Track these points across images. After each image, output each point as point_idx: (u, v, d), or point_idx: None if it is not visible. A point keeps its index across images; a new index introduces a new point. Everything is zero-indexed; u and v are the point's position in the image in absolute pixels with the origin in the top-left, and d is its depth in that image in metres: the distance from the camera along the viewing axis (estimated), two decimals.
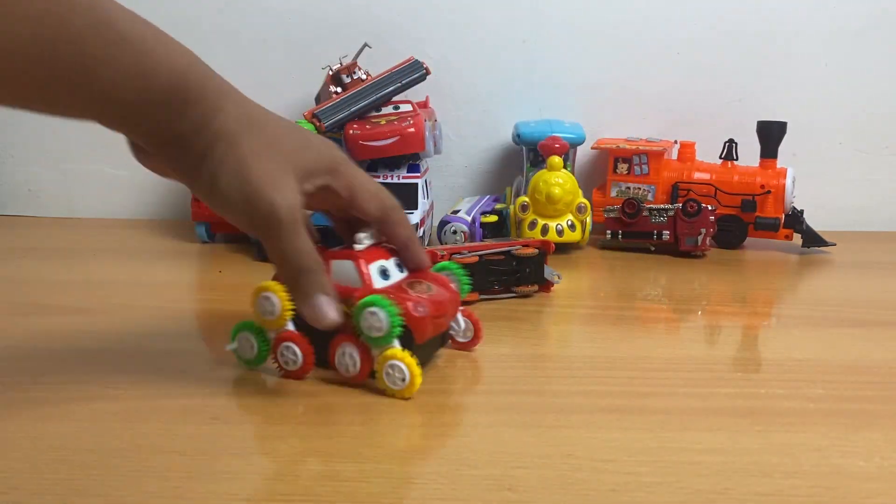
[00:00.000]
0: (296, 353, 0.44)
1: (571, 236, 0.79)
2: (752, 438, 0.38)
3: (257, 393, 0.44)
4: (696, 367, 0.49)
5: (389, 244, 0.46)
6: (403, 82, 0.84)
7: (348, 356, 0.43)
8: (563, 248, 0.79)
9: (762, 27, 0.97)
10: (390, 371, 0.42)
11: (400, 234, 0.45)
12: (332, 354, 0.44)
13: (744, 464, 0.35)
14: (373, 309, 0.41)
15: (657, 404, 0.42)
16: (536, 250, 0.64)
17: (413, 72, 0.84)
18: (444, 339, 0.49)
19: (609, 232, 0.84)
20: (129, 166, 1.08)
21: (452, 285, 0.47)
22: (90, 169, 1.01)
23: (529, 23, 0.97)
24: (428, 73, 0.85)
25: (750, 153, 0.88)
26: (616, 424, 0.40)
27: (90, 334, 0.53)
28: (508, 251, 0.63)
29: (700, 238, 0.80)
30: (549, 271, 0.65)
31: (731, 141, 0.89)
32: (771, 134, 0.87)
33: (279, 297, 0.42)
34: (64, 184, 1.02)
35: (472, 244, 0.65)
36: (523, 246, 0.64)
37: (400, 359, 0.42)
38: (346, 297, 0.42)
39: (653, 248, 0.83)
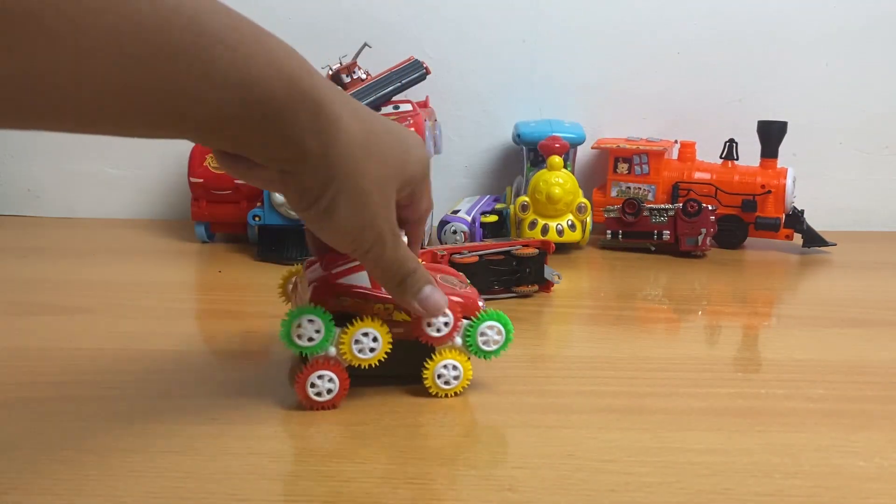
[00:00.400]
0: (334, 380, 0.41)
1: (571, 236, 0.79)
2: (752, 438, 0.38)
3: (257, 393, 0.44)
4: (696, 367, 0.49)
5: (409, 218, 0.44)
6: (403, 82, 0.83)
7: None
8: (564, 248, 0.79)
9: (762, 27, 0.97)
10: (444, 371, 0.43)
11: (419, 234, 0.45)
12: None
13: (744, 464, 0.35)
14: (491, 323, 0.43)
15: (657, 404, 0.42)
16: (536, 250, 0.64)
17: (413, 72, 0.84)
18: None
19: (609, 232, 0.84)
20: (130, 166, 1.08)
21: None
22: (90, 169, 1.01)
23: (529, 23, 0.97)
24: (428, 72, 0.85)
25: (750, 153, 0.88)
26: (616, 424, 0.40)
27: (90, 334, 0.53)
28: (508, 251, 0.64)
29: (700, 238, 0.80)
30: (549, 271, 0.65)
31: (731, 141, 0.89)
32: (771, 134, 0.87)
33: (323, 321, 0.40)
34: (64, 184, 1.02)
35: (472, 244, 0.65)
36: (523, 246, 0.64)
37: (454, 358, 0.43)
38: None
39: (653, 248, 0.83)
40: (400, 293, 0.40)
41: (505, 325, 0.43)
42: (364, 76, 0.85)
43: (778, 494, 0.33)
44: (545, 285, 0.65)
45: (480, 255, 0.62)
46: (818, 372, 0.48)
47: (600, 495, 0.33)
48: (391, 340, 0.41)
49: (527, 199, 0.80)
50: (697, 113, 0.98)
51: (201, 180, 0.81)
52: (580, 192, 0.81)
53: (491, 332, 0.43)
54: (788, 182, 0.85)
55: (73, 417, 0.40)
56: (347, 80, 0.85)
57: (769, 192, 0.85)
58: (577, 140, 0.88)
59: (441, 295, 0.41)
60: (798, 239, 0.85)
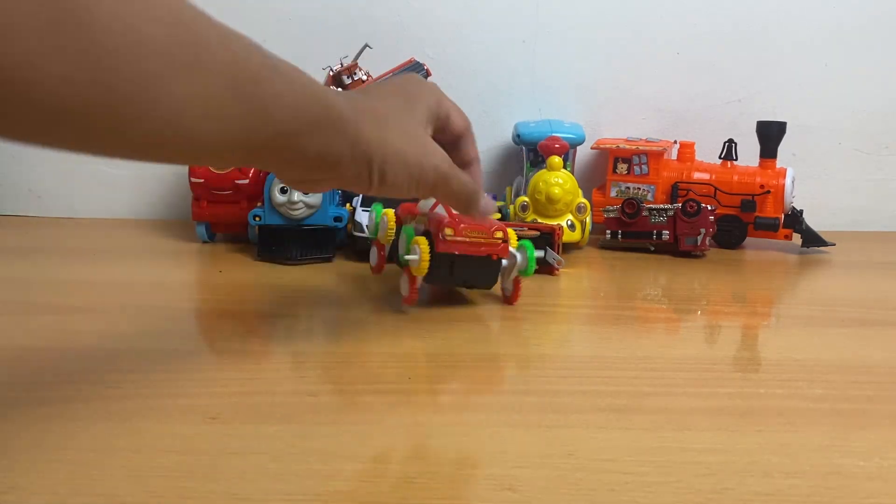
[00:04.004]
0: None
1: (571, 236, 0.79)
2: (752, 438, 0.38)
3: (257, 393, 0.44)
4: (696, 367, 0.49)
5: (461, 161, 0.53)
6: None
7: None
8: (563, 248, 0.79)
9: (762, 27, 0.97)
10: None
11: (470, 152, 0.53)
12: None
13: (744, 464, 0.35)
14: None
15: (657, 404, 0.42)
16: (538, 233, 0.70)
17: (413, 73, 0.84)
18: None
19: (609, 232, 0.84)
20: (130, 166, 1.08)
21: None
22: (90, 169, 1.01)
23: (529, 23, 0.97)
24: (428, 74, 0.85)
25: (750, 153, 0.88)
26: (616, 424, 0.40)
27: (90, 334, 0.53)
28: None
29: (700, 238, 0.80)
30: (551, 255, 0.69)
31: (730, 141, 0.89)
32: (771, 134, 0.87)
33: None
34: (64, 184, 1.02)
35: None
36: (529, 229, 0.70)
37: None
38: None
39: (653, 248, 0.83)
40: (466, 208, 0.50)
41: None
42: (365, 77, 0.85)
43: (777, 494, 0.33)
44: (547, 268, 0.70)
45: None
46: (817, 372, 0.48)
47: (600, 495, 0.33)
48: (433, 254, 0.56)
49: (526, 199, 0.80)
50: (697, 113, 0.98)
51: (202, 180, 0.81)
52: (580, 192, 0.81)
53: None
54: (787, 182, 0.85)
55: (73, 417, 0.40)
56: (348, 81, 0.85)
57: (768, 192, 0.85)
58: (577, 140, 0.88)
59: (489, 200, 0.53)
60: (797, 239, 0.85)
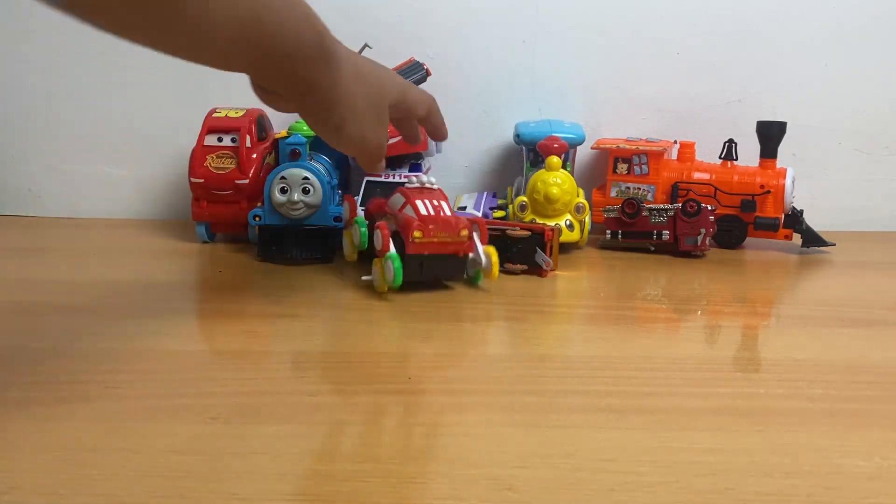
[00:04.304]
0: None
1: (570, 236, 0.79)
2: (752, 438, 0.38)
3: (257, 393, 0.44)
4: (696, 367, 0.49)
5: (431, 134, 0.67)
6: None
7: None
8: (563, 248, 0.79)
9: (762, 27, 0.97)
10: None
11: (434, 121, 0.64)
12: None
13: (744, 464, 0.35)
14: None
15: (657, 404, 0.42)
16: (529, 233, 0.71)
17: (413, 73, 0.84)
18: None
19: (609, 232, 0.84)
20: (130, 166, 1.08)
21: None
22: (90, 169, 1.01)
23: (529, 23, 0.97)
24: (428, 73, 0.85)
25: (750, 153, 0.88)
26: (616, 424, 0.40)
27: (90, 334, 0.53)
28: (503, 230, 0.71)
29: (700, 238, 0.80)
30: (540, 256, 0.70)
31: (730, 141, 0.89)
32: (771, 134, 0.87)
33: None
34: (64, 184, 1.02)
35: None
36: (521, 229, 0.71)
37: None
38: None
39: (653, 248, 0.83)
40: (369, 164, 0.56)
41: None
42: None
43: (777, 494, 0.33)
44: (537, 269, 0.71)
45: None
46: (817, 372, 0.48)
47: (600, 495, 0.33)
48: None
49: (525, 199, 0.80)
50: (697, 113, 0.98)
51: (202, 180, 0.81)
52: (579, 192, 0.81)
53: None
54: (788, 182, 0.85)
55: (73, 417, 0.40)
56: None
57: (768, 192, 0.85)
58: (577, 140, 0.88)
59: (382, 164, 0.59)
60: (797, 239, 0.85)
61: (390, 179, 0.80)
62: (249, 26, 0.41)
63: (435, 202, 0.65)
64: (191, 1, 0.38)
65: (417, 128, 0.63)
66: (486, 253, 0.65)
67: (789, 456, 0.36)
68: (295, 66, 0.46)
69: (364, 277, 0.63)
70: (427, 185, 0.67)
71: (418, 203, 0.64)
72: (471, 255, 0.65)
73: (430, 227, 0.62)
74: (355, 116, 0.52)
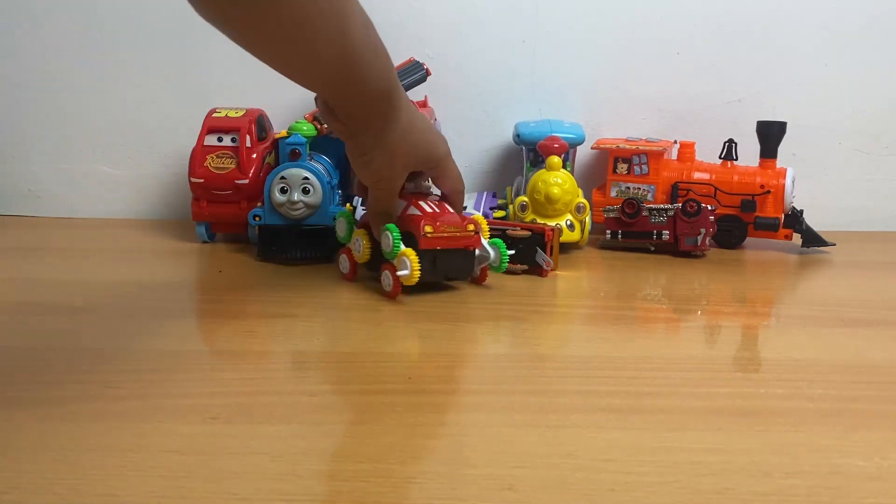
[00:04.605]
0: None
1: (570, 236, 0.79)
2: (752, 438, 0.38)
3: (257, 393, 0.44)
4: (696, 367, 0.49)
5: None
6: (404, 83, 0.83)
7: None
8: (563, 248, 0.79)
9: (762, 27, 0.97)
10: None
11: (455, 202, 0.67)
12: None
13: (744, 464, 0.35)
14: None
15: (657, 404, 0.42)
16: (530, 233, 0.71)
17: (413, 73, 0.84)
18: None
19: (609, 232, 0.84)
20: (130, 166, 1.08)
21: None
22: (90, 169, 1.01)
23: (529, 23, 0.97)
24: (428, 73, 0.85)
25: (750, 153, 0.88)
26: (616, 424, 0.40)
27: (90, 334, 0.53)
28: (504, 230, 0.71)
29: (700, 238, 0.80)
30: (541, 256, 0.70)
31: (730, 141, 0.89)
32: (771, 134, 0.87)
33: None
34: (64, 184, 1.02)
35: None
36: (521, 229, 0.71)
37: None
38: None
39: (653, 248, 0.83)
40: (378, 223, 0.63)
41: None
42: None
43: (777, 494, 0.33)
44: (537, 269, 0.70)
45: None
46: (817, 372, 0.48)
47: (600, 495, 0.33)
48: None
49: (525, 199, 0.80)
50: (697, 113, 0.98)
51: (201, 180, 0.81)
52: (579, 192, 0.81)
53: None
54: (788, 182, 0.85)
55: (74, 417, 0.40)
56: None
57: (768, 192, 0.85)
58: (577, 140, 0.88)
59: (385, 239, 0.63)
60: (797, 239, 0.85)
61: None
62: (342, 62, 0.50)
63: (435, 203, 0.65)
64: (302, 35, 0.46)
65: (427, 188, 0.68)
66: (492, 246, 0.65)
67: (789, 456, 0.36)
68: (362, 104, 0.55)
69: (400, 273, 0.60)
70: (424, 191, 0.67)
71: (422, 203, 0.64)
72: (478, 250, 0.65)
73: (438, 222, 0.62)
74: (386, 161, 0.59)
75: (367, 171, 0.60)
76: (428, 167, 0.64)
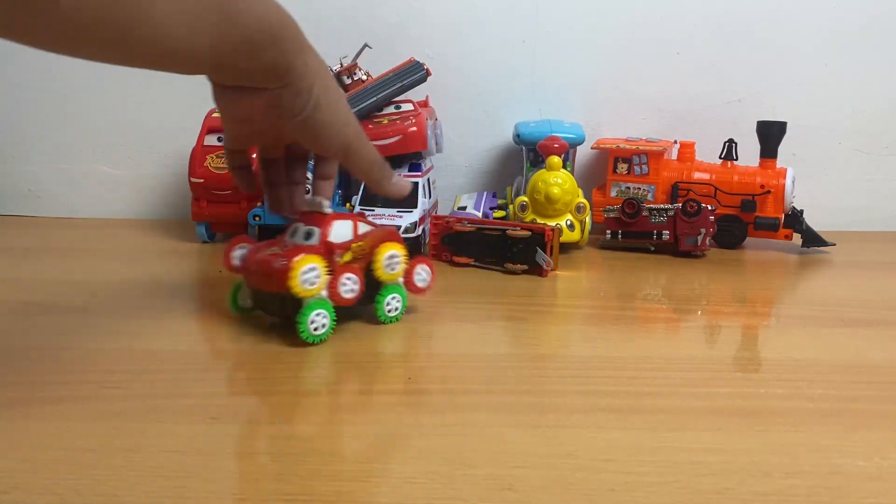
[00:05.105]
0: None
1: (570, 236, 0.79)
2: (752, 438, 0.38)
3: (257, 393, 0.44)
4: (696, 367, 0.49)
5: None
6: (404, 83, 0.84)
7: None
8: (563, 248, 0.79)
9: (762, 27, 0.97)
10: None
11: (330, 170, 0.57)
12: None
13: (744, 464, 0.35)
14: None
15: (657, 404, 0.42)
16: (530, 233, 0.70)
17: (413, 73, 0.84)
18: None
19: (609, 232, 0.84)
20: (130, 166, 1.08)
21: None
22: (90, 169, 1.01)
23: (529, 23, 0.97)
24: (428, 74, 0.85)
25: (750, 153, 0.88)
26: (616, 424, 0.40)
27: (90, 334, 0.53)
28: (504, 230, 0.71)
29: (700, 238, 0.80)
30: (541, 256, 0.70)
31: (730, 141, 0.89)
32: (771, 134, 0.87)
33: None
34: (64, 184, 1.02)
35: (476, 218, 0.77)
36: (521, 229, 0.71)
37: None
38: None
39: (653, 248, 0.83)
40: (377, 182, 0.53)
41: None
42: (365, 77, 0.85)
43: (777, 494, 0.33)
44: (537, 269, 0.71)
45: (478, 228, 0.72)
46: (817, 372, 0.48)
47: (600, 495, 0.33)
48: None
49: (525, 199, 0.80)
50: (697, 113, 0.98)
51: (201, 180, 0.81)
52: (579, 192, 0.81)
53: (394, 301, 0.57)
54: (788, 182, 0.85)
55: (74, 417, 0.40)
56: (348, 81, 0.85)
57: (768, 192, 0.85)
58: (577, 140, 0.88)
59: (406, 182, 0.56)
60: (797, 239, 0.85)
61: None
62: (212, 10, 0.38)
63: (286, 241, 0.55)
64: None
65: (320, 204, 0.55)
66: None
67: (789, 456, 0.36)
68: (263, 50, 0.42)
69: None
70: (317, 208, 0.55)
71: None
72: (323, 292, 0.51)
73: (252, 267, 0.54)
74: (330, 102, 0.47)
75: (321, 127, 0.47)
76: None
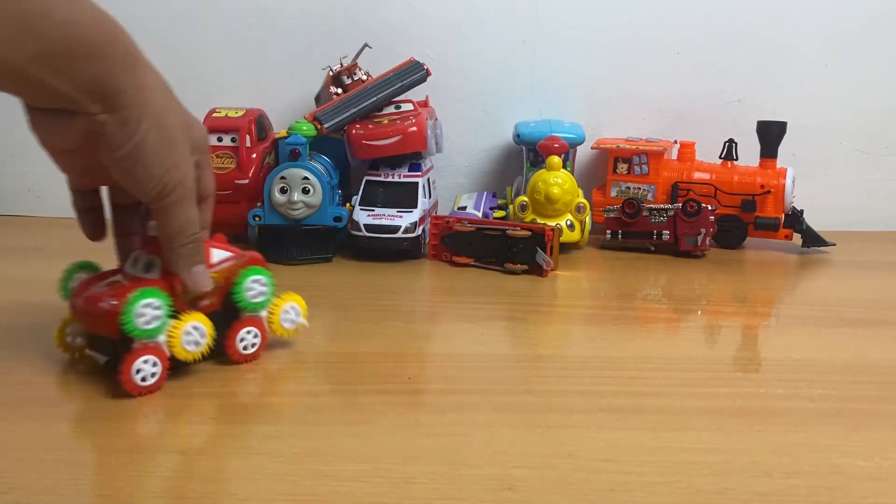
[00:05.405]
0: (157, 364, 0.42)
1: (570, 236, 0.79)
2: (752, 438, 0.38)
3: (257, 393, 0.44)
4: (696, 367, 0.49)
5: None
6: (404, 83, 0.84)
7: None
8: (563, 248, 0.79)
9: (762, 27, 0.97)
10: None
11: (207, 215, 0.47)
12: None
13: (744, 464, 0.35)
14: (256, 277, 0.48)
15: (657, 404, 0.42)
16: (529, 233, 0.70)
17: (413, 73, 0.84)
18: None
19: (609, 232, 0.84)
20: None
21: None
22: None
23: (529, 23, 0.97)
24: (428, 74, 0.85)
25: (750, 153, 0.88)
26: (616, 424, 0.40)
27: None
28: (504, 230, 0.71)
29: (700, 238, 0.80)
30: (541, 256, 0.70)
31: (730, 141, 0.89)
32: (771, 134, 0.87)
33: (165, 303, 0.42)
34: (64, 184, 1.01)
35: (476, 219, 0.76)
36: (521, 229, 0.71)
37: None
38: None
39: (653, 248, 0.83)
40: (178, 257, 0.43)
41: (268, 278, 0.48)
42: (365, 77, 0.85)
43: (777, 494, 0.33)
44: (539, 269, 0.70)
45: (478, 227, 0.72)
46: (817, 372, 0.48)
47: (600, 495, 0.33)
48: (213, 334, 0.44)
49: (525, 198, 0.80)
50: (697, 113, 0.98)
51: None
52: (579, 192, 0.81)
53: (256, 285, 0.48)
54: (788, 182, 0.85)
55: (73, 417, 0.40)
56: (348, 81, 0.85)
57: (768, 192, 0.85)
58: (577, 140, 0.88)
59: (207, 278, 0.44)
60: (797, 239, 0.85)
61: (391, 179, 0.80)
62: (7, 13, 0.33)
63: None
64: None
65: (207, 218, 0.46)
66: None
67: (789, 456, 0.36)
68: (79, 65, 0.35)
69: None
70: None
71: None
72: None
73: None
74: (162, 141, 0.39)
75: (143, 165, 0.39)
76: (201, 150, 0.45)
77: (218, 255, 0.47)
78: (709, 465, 0.35)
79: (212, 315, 0.45)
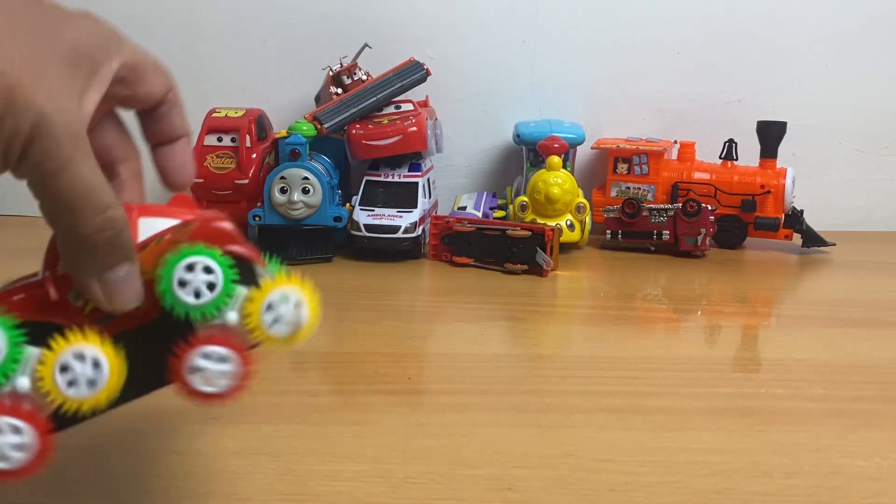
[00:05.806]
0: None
1: (570, 236, 0.79)
2: (752, 438, 0.38)
3: (257, 393, 0.44)
4: (696, 367, 0.49)
5: (161, 137, 0.33)
6: (404, 83, 0.84)
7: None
8: (563, 248, 0.79)
9: (762, 27, 0.97)
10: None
11: (179, 124, 0.34)
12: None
13: (744, 464, 0.35)
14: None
15: (657, 404, 0.42)
16: (529, 233, 0.70)
17: (413, 73, 0.84)
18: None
19: (609, 232, 0.84)
20: None
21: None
22: None
23: (529, 23, 0.97)
24: (428, 74, 0.85)
25: (750, 153, 0.88)
26: (616, 424, 0.40)
27: None
28: (504, 230, 0.71)
29: (700, 238, 0.80)
30: (541, 256, 0.69)
31: (730, 141, 0.89)
32: (771, 134, 0.87)
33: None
34: None
35: (476, 218, 0.76)
36: (521, 229, 0.71)
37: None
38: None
39: (653, 248, 0.83)
40: (80, 255, 0.27)
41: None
42: (364, 77, 0.85)
43: (778, 494, 0.33)
44: (539, 269, 0.70)
45: (478, 227, 0.72)
46: (818, 372, 0.48)
47: (600, 495, 0.33)
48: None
49: (525, 198, 0.80)
50: (697, 113, 0.98)
51: (201, 180, 0.81)
52: (579, 192, 0.81)
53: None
54: (788, 182, 0.85)
55: None
56: (348, 81, 0.85)
57: (768, 192, 0.85)
58: (577, 140, 0.88)
59: (136, 285, 0.27)
60: (797, 239, 0.85)
61: (391, 179, 0.80)
62: None
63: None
64: None
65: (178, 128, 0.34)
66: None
67: (789, 456, 0.36)
68: None
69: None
70: None
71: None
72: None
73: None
74: (24, 48, 0.24)
75: None
76: (98, 65, 0.27)
77: (150, 227, 0.30)
78: (709, 465, 0.35)
79: (138, 331, 0.28)
